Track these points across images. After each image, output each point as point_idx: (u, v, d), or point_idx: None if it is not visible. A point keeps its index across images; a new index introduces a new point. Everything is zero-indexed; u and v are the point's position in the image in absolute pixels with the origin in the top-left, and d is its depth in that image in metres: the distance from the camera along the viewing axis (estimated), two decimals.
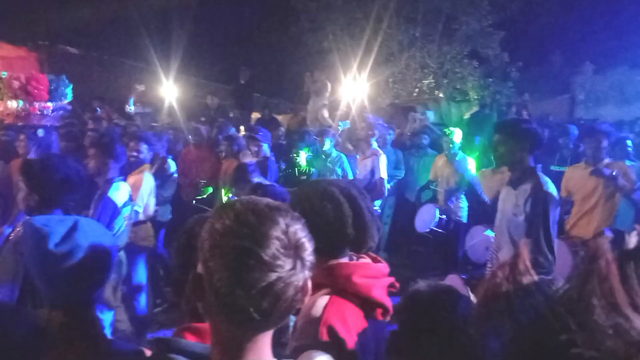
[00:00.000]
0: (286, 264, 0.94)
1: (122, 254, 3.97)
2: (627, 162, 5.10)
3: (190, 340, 1.24)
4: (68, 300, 1.44)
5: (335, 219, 1.51)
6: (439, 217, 5.95)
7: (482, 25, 12.96)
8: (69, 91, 6.91)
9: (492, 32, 13.08)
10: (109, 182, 3.86)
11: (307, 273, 0.99)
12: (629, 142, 5.46)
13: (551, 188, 3.09)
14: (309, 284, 1.00)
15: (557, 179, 5.61)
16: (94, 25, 12.54)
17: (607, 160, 4.44)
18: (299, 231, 0.99)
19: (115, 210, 3.80)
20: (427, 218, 6.06)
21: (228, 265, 0.93)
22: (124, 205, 3.90)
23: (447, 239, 6.13)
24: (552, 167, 6.15)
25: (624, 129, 8.22)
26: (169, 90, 9.61)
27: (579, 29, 14.09)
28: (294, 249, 0.96)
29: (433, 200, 6.44)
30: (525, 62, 13.68)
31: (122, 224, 3.88)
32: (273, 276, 0.92)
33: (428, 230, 5.99)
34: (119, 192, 3.85)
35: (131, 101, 7.82)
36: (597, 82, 14.76)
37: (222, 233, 0.96)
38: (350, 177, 6.32)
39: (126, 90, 9.11)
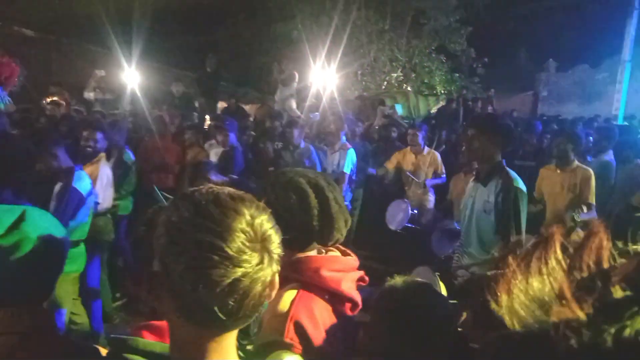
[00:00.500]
0: (253, 258, 0.87)
1: (82, 246, 3.82)
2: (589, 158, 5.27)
3: (148, 340, 1.15)
4: (15, 297, 1.32)
5: (301, 211, 1.44)
6: (410, 212, 5.93)
7: (449, 20, 13.15)
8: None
9: (460, 28, 13.29)
10: (71, 172, 3.68)
11: (275, 267, 0.92)
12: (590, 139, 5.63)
13: (520, 184, 3.09)
14: (277, 278, 0.93)
15: (521, 174, 5.76)
16: (51, 7, 11.99)
17: (576, 163, 4.51)
18: (265, 222, 0.92)
19: (80, 201, 3.64)
20: (399, 215, 5.99)
21: (189, 262, 0.85)
22: (88, 195, 3.74)
23: (417, 230, 6.16)
24: (516, 162, 6.26)
25: (579, 125, 8.48)
26: (132, 76, 9.29)
27: (544, 27, 14.46)
28: (260, 242, 0.89)
29: (400, 192, 6.46)
30: (491, 59, 13.96)
31: (86, 214, 3.73)
32: (239, 272, 0.85)
33: (400, 225, 5.93)
34: (83, 182, 3.69)
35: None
36: (560, 80, 15.21)
37: (180, 227, 0.88)
38: (319, 169, 6.27)
39: (86, 76, 8.77)
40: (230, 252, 0.85)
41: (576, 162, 4.49)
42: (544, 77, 15.37)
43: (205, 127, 7.59)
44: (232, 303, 0.85)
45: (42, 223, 1.38)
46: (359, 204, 7.05)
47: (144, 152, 6.20)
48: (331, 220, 1.46)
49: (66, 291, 3.66)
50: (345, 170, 6.00)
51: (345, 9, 12.36)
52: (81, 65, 11.15)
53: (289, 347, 1.28)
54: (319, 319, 1.38)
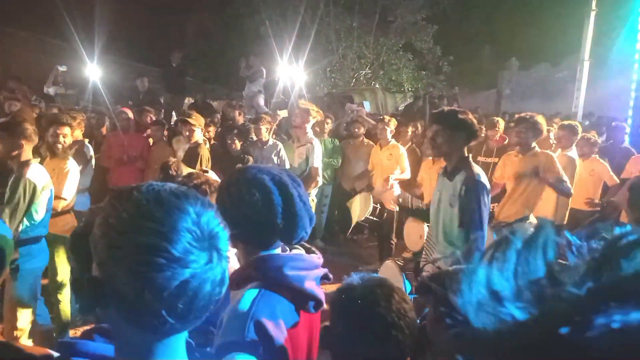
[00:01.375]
0: (200, 258, 0.83)
1: (43, 242, 3.71)
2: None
3: (98, 343, 1.12)
4: None
5: (264, 208, 1.41)
6: (373, 206, 6.03)
7: (416, 18, 13.29)
8: None
9: (426, 26, 13.44)
10: (26, 164, 3.56)
11: (225, 264, 0.88)
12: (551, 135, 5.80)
13: (483, 178, 3.15)
14: (227, 275, 0.90)
15: (484, 169, 5.88)
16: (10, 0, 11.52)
17: (536, 149, 4.61)
18: (212, 219, 0.88)
19: (34, 194, 3.52)
20: (362, 207, 6.13)
21: (132, 267, 0.80)
22: (43, 189, 3.63)
23: (381, 226, 6.24)
24: (479, 158, 6.39)
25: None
26: (95, 71, 9.04)
27: (507, 26, 14.79)
28: (208, 240, 0.85)
29: (368, 188, 6.52)
30: (456, 57, 14.20)
31: (42, 209, 3.62)
32: (187, 273, 0.81)
33: (363, 219, 6.06)
34: (38, 175, 3.57)
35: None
36: (522, 78, 15.58)
37: (120, 229, 0.82)
38: (287, 165, 6.25)
39: (47, 70, 8.48)
40: (177, 254, 0.81)
41: (537, 148, 4.58)
42: (506, 75, 15.73)
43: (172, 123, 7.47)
44: (181, 306, 0.82)
45: None
46: (329, 200, 7.08)
47: (107, 147, 6.06)
48: (295, 218, 1.44)
49: (28, 289, 3.55)
50: (315, 165, 5.94)
51: (313, 6, 12.35)
52: (41, 59, 10.78)
53: (249, 348, 1.27)
54: (281, 317, 1.37)
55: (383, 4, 13.24)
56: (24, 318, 3.59)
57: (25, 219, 3.56)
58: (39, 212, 3.64)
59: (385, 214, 6.14)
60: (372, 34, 13.52)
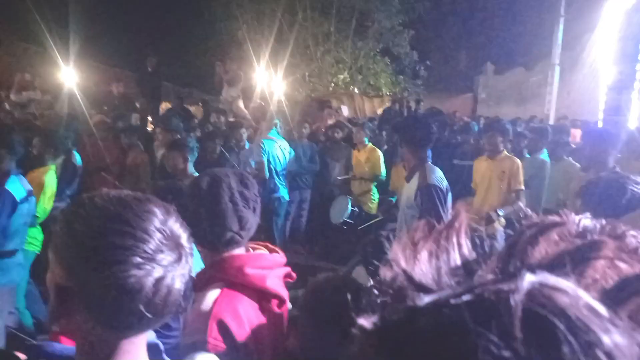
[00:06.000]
0: (171, 256, 0.88)
1: (18, 256, 3.62)
2: (526, 155, 5.55)
3: (64, 345, 1.13)
4: None
5: (196, 209, 1.47)
6: (351, 209, 6.07)
7: (392, 23, 13.43)
8: None
9: (402, 31, 13.59)
10: (6, 175, 3.49)
11: (191, 261, 0.94)
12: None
13: (437, 179, 3.26)
14: (192, 272, 0.95)
15: (459, 172, 5.98)
16: None
17: (504, 154, 4.76)
18: (175, 219, 0.93)
19: (13, 205, 3.44)
20: (340, 210, 6.18)
21: (106, 272, 0.83)
22: (22, 202, 3.54)
23: (359, 230, 6.28)
24: (455, 161, 6.49)
25: (520, 125, 8.87)
26: (69, 76, 8.89)
27: (482, 30, 15.04)
28: (175, 239, 0.90)
29: (346, 192, 6.57)
30: (433, 61, 14.38)
31: (20, 221, 3.54)
32: (161, 271, 0.86)
33: (341, 221, 6.10)
34: (17, 187, 3.50)
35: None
36: (497, 82, 15.84)
37: (91, 235, 0.86)
38: (266, 170, 6.22)
39: (16, 75, 8.33)
40: (150, 252, 0.85)
41: (505, 153, 4.74)
42: (482, 80, 15.97)
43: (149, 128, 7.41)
44: (158, 302, 0.85)
45: None
46: (307, 204, 7.10)
47: (83, 154, 5.98)
48: (218, 219, 1.45)
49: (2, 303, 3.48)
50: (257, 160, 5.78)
51: (290, 10, 12.39)
52: (12, 63, 10.56)
53: (213, 347, 1.28)
54: (244, 317, 1.39)
55: (360, 9, 13.35)
56: None
57: None
58: (17, 224, 3.55)
59: (363, 217, 6.19)
60: (349, 39, 13.62)
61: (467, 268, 0.42)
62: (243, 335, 1.35)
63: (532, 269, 0.35)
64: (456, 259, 0.44)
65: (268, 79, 10.10)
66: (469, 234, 0.45)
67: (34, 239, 4.06)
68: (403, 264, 0.43)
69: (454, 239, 0.45)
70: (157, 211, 0.90)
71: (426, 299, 0.37)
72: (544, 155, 5.59)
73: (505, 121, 6.27)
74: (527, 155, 5.67)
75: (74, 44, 9.62)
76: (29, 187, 3.68)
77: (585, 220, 0.46)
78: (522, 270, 0.35)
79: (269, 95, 9.58)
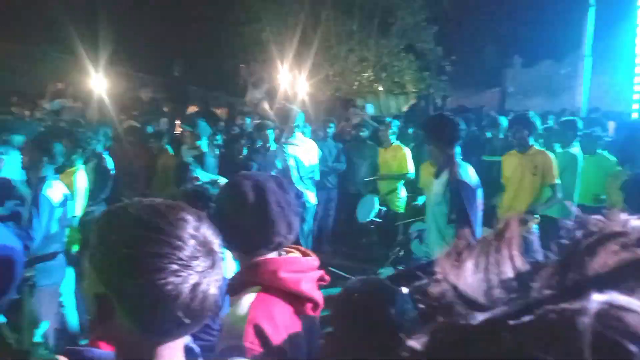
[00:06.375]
0: (205, 262, 0.90)
1: (60, 258, 3.72)
2: (557, 149, 5.42)
3: (103, 350, 1.15)
4: None
5: (240, 214, 1.47)
6: (378, 208, 6.05)
7: (416, 19, 13.28)
8: None
9: (427, 27, 13.43)
10: (42, 180, 3.60)
11: (224, 267, 0.96)
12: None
13: (465, 176, 3.23)
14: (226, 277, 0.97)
15: (489, 168, 5.88)
16: (8, 11, 11.57)
17: (535, 148, 4.66)
18: (207, 226, 0.95)
19: (51, 210, 3.55)
20: (367, 208, 6.16)
21: (143, 280, 0.85)
22: (59, 205, 3.66)
23: (387, 229, 6.24)
24: (484, 157, 6.38)
25: (550, 119, 8.66)
26: (99, 83, 9.12)
27: (509, 23, 14.73)
28: (208, 245, 0.92)
29: (374, 191, 6.54)
30: (458, 56, 14.16)
31: (58, 225, 3.66)
32: (197, 277, 0.87)
33: (368, 220, 6.08)
34: (53, 191, 3.61)
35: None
36: (526, 75, 15.50)
37: (127, 245, 0.87)
38: (295, 170, 6.23)
39: (49, 84, 8.56)
40: (186, 260, 0.87)
41: (535, 147, 4.64)
42: (510, 73, 15.67)
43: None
44: (195, 308, 0.87)
45: None
46: (334, 204, 7.09)
47: (114, 158, 6.11)
48: (268, 224, 1.47)
49: (45, 305, 3.57)
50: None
51: (313, 11, 12.40)
52: (44, 72, 10.86)
53: (249, 351, 1.29)
54: (279, 321, 1.39)
55: (383, 7, 13.26)
56: (39, 333, 3.60)
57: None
58: (54, 228, 3.65)
59: (391, 216, 6.16)
60: (373, 37, 13.54)
61: (522, 281, 0.40)
62: (279, 339, 1.35)
63: (596, 285, 0.32)
64: (507, 272, 0.41)
65: (292, 80, 10.14)
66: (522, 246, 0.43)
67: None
68: (451, 277, 0.41)
69: (506, 251, 0.42)
70: (190, 218, 0.92)
71: (480, 317, 0.35)
72: (575, 148, 5.45)
73: (532, 114, 6.13)
74: (559, 150, 5.53)
75: (104, 52, 9.84)
76: (66, 191, 3.78)
77: None
78: (585, 286, 0.33)
79: (292, 95, 9.61)
